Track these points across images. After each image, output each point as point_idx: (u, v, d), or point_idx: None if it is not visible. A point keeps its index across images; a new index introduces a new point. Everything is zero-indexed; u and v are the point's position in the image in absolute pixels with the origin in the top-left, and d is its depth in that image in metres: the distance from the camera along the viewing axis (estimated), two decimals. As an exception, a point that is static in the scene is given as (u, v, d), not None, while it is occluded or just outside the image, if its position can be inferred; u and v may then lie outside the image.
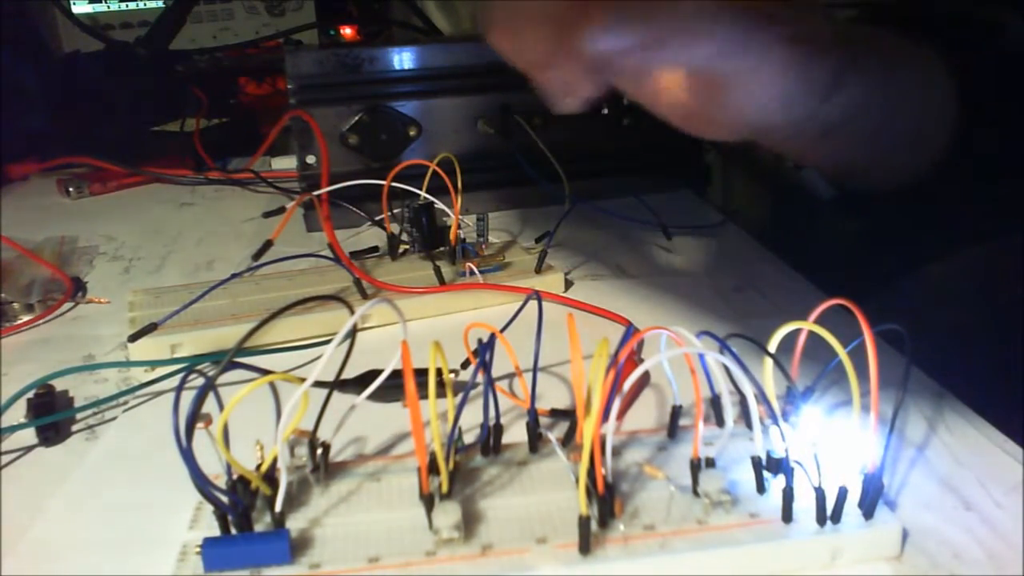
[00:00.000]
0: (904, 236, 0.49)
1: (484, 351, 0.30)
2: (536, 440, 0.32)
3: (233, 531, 0.28)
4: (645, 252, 0.57)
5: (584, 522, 0.26)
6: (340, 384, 0.32)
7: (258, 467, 0.29)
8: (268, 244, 0.57)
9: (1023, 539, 0.28)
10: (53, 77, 0.89)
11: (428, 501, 0.28)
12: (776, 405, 0.28)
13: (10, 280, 0.53)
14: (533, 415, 0.32)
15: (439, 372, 0.29)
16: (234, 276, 0.48)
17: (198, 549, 0.27)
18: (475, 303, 0.49)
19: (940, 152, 0.44)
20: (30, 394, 0.39)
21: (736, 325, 0.43)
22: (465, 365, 0.40)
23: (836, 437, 0.30)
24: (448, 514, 0.27)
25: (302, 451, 0.31)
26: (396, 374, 0.30)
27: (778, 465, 0.29)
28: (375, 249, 0.55)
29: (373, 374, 0.32)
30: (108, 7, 1.14)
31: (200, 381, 0.26)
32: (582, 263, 0.55)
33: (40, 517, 0.32)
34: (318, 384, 0.28)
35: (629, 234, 0.60)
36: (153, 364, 0.43)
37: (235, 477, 0.28)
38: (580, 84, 0.35)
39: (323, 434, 0.31)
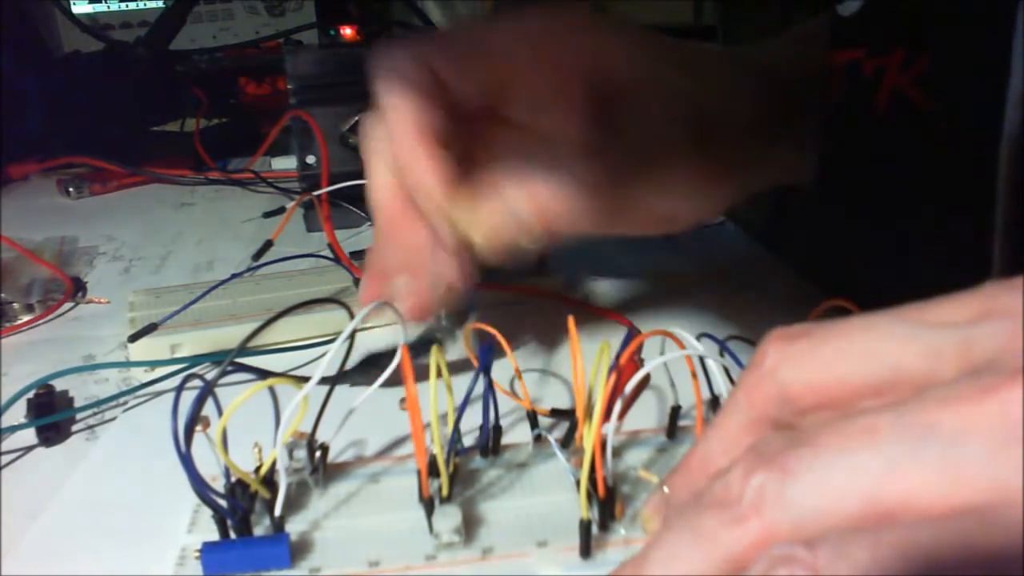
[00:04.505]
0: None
1: (484, 353, 0.30)
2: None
3: (232, 535, 0.28)
4: (645, 252, 0.57)
5: (585, 525, 0.26)
6: (341, 375, 0.32)
7: (257, 470, 0.29)
8: (268, 244, 0.57)
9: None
10: (53, 77, 0.89)
11: (428, 505, 0.28)
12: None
13: (10, 280, 0.53)
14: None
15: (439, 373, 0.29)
16: (234, 276, 0.48)
17: (197, 553, 0.27)
18: (475, 304, 0.49)
19: None
20: (30, 394, 0.39)
21: (736, 325, 0.42)
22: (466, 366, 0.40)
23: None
24: (448, 517, 0.27)
25: (301, 454, 0.31)
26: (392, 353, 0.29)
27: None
28: (375, 249, 0.55)
29: (372, 359, 0.32)
30: (108, 7, 1.14)
31: (200, 382, 0.26)
32: (582, 263, 0.55)
33: (40, 517, 0.32)
34: (320, 382, 0.28)
35: (629, 234, 0.60)
36: (153, 364, 0.43)
37: (234, 480, 0.28)
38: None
39: (322, 435, 0.31)
